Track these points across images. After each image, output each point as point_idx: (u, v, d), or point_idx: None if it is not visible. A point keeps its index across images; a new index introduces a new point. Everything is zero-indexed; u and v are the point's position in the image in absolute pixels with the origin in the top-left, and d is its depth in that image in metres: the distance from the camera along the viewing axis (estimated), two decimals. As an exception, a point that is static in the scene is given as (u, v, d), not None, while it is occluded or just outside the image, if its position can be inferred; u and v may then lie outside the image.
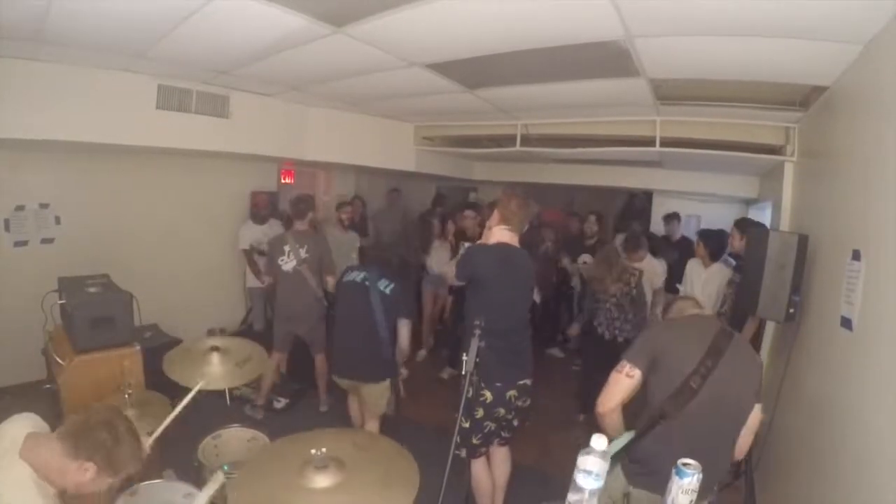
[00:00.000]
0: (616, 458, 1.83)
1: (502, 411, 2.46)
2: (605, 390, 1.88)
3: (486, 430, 2.49)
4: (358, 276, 3.04)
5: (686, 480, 1.27)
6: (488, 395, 2.42)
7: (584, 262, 5.01)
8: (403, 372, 3.25)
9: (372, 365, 2.97)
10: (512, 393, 2.47)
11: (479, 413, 2.43)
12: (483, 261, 2.49)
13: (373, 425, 3.09)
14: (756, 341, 3.24)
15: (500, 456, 2.68)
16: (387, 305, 2.93)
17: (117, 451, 1.39)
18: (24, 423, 1.42)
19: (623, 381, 1.84)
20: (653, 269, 4.43)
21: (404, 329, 2.99)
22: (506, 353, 2.41)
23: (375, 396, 3.02)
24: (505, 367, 2.43)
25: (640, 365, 1.82)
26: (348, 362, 3.06)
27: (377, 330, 2.92)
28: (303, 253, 3.82)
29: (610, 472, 1.63)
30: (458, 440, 2.12)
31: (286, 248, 3.84)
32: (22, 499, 1.29)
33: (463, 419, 2.21)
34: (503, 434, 2.62)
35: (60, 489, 1.39)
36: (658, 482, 1.61)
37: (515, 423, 2.60)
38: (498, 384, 2.43)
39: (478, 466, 2.59)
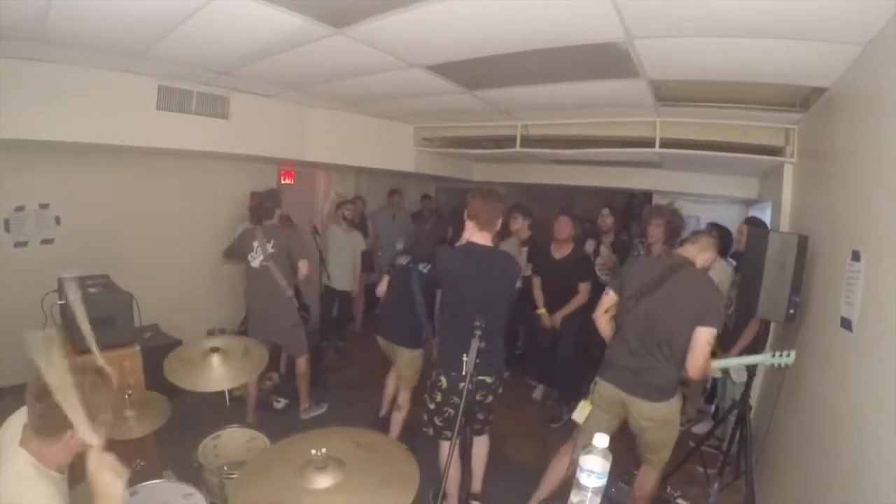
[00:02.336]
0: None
1: (457, 400, 2.49)
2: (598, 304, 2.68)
3: (445, 415, 2.63)
4: (404, 260, 3.53)
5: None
6: (443, 381, 2.60)
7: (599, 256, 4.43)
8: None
9: (408, 332, 3.40)
10: (457, 376, 2.51)
11: (438, 398, 2.63)
12: (444, 261, 2.68)
13: (404, 396, 3.49)
14: (760, 343, 3.21)
15: (476, 443, 2.75)
16: (425, 283, 3.39)
17: (76, 403, 1.34)
18: (21, 417, 1.43)
19: (605, 297, 2.63)
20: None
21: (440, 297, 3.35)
22: (464, 344, 2.31)
23: (406, 362, 3.43)
24: (459, 357, 2.37)
25: (613, 288, 2.60)
26: (389, 325, 3.52)
27: (415, 304, 3.36)
28: (269, 248, 3.69)
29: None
30: (426, 418, 2.71)
31: (255, 244, 3.71)
32: (27, 490, 1.29)
33: (428, 399, 2.69)
34: (473, 425, 2.62)
35: (67, 466, 1.40)
36: (609, 374, 2.50)
37: (480, 416, 2.68)
38: (453, 373, 2.55)
39: (442, 450, 2.72)
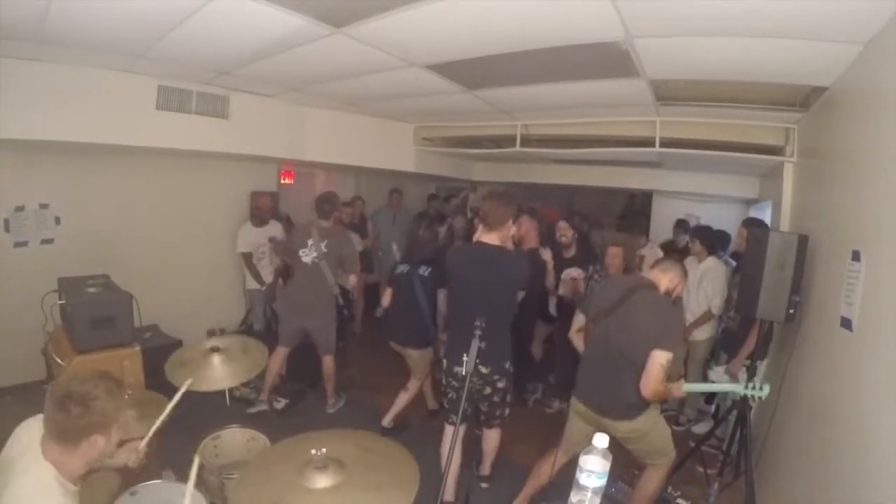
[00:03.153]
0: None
1: (455, 384, 2.80)
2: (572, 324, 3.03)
3: (448, 396, 2.87)
4: (404, 268, 3.74)
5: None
6: (444, 363, 2.89)
7: (573, 279, 3.87)
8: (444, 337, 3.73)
9: (415, 335, 3.66)
10: (460, 370, 2.70)
11: (442, 377, 2.94)
12: (451, 258, 2.91)
13: (413, 384, 3.80)
14: (763, 347, 3.17)
15: (485, 435, 3.07)
16: (426, 285, 3.62)
17: (96, 411, 1.38)
18: (36, 427, 1.44)
19: (576, 318, 2.98)
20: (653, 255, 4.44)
21: (441, 296, 3.63)
22: (465, 337, 2.34)
23: (417, 360, 3.72)
24: (459, 349, 2.49)
25: (582, 308, 2.82)
26: (399, 331, 3.74)
27: (420, 306, 3.59)
28: (323, 247, 3.83)
29: None
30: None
31: (309, 241, 3.85)
32: (45, 500, 1.30)
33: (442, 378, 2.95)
34: (480, 416, 2.99)
35: (85, 474, 1.43)
36: (580, 394, 2.54)
37: (483, 407, 2.89)
38: (455, 367, 2.79)
39: (445, 433, 2.93)
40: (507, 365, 2.85)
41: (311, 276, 3.87)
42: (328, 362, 4.02)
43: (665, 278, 2.48)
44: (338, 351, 5.35)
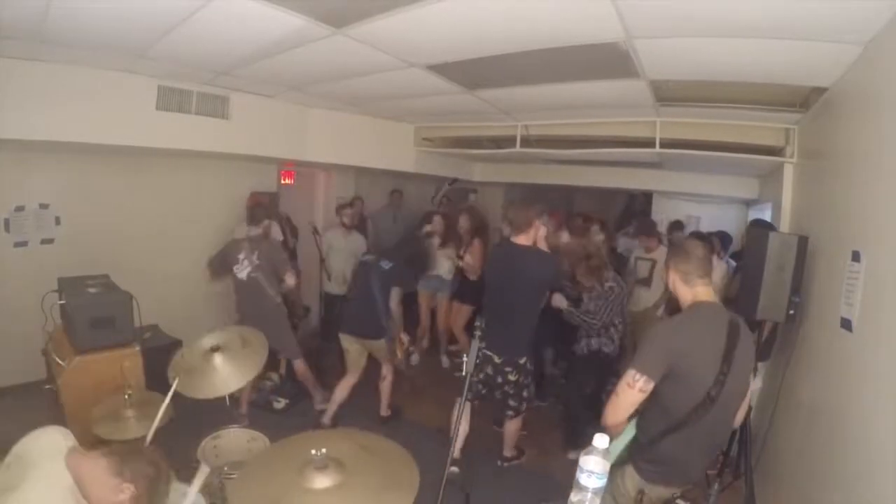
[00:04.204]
0: (626, 458, 1.86)
1: (489, 372, 3.04)
2: (614, 403, 1.79)
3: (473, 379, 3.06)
4: (368, 258, 3.88)
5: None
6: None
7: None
8: (405, 338, 3.85)
9: (370, 325, 3.64)
10: (492, 355, 3.02)
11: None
12: (489, 258, 3.33)
13: (386, 369, 3.87)
14: (766, 348, 3.16)
15: (507, 422, 3.33)
16: (384, 280, 3.60)
17: (156, 485, 1.44)
18: (61, 435, 1.44)
19: (635, 396, 1.73)
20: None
21: (394, 294, 3.66)
22: (488, 327, 2.85)
23: (377, 348, 3.75)
24: (490, 338, 2.93)
25: (654, 377, 1.71)
26: (355, 323, 3.73)
27: (375, 299, 3.57)
28: (255, 259, 3.71)
29: (622, 472, 1.86)
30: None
31: (240, 256, 3.74)
32: None
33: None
34: (497, 404, 3.21)
35: None
36: (676, 478, 1.81)
37: (497, 395, 3.10)
38: (487, 350, 3.01)
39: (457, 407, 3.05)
40: (523, 361, 3.01)
41: (250, 290, 3.74)
42: (298, 366, 4.00)
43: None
44: (336, 352, 5.38)
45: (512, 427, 3.33)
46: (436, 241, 4.91)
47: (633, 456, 1.84)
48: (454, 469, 2.85)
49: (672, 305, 2.27)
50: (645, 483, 1.82)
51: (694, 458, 1.85)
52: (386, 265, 3.65)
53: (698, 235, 4.38)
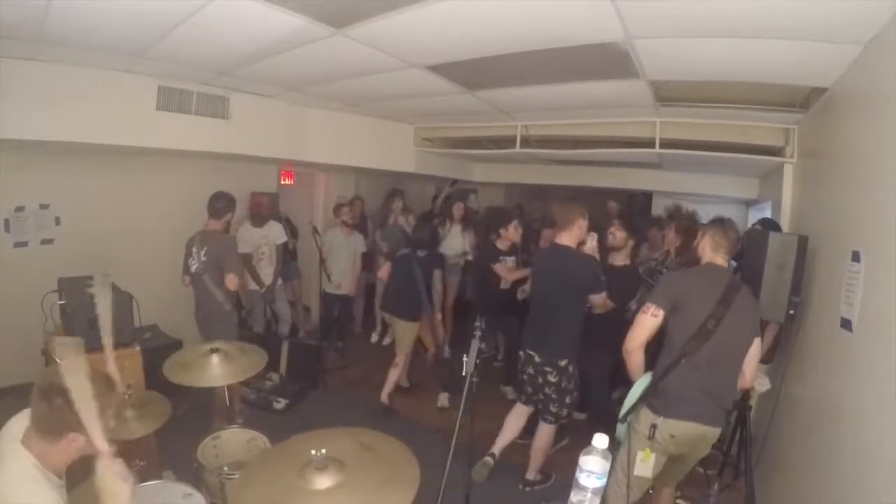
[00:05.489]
0: (639, 401, 2.20)
1: (528, 369, 3.08)
2: (633, 330, 2.24)
3: (520, 378, 3.20)
4: (404, 251, 4.20)
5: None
6: (521, 355, 3.14)
7: None
8: (439, 315, 4.25)
9: (406, 308, 4.07)
10: (533, 355, 3.05)
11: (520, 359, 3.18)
12: (536, 256, 3.48)
13: (400, 358, 4.15)
14: (771, 351, 3.11)
15: (538, 428, 3.17)
16: (424, 267, 4.04)
17: (93, 411, 1.33)
18: (24, 418, 1.43)
19: (648, 321, 2.19)
20: None
21: (436, 276, 4.16)
22: (530, 326, 3.14)
23: (403, 331, 4.12)
24: (533, 336, 3.10)
25: (664, 306, 2.16)
26: (394, 303, 4.21)
27: (416, 283, 3.97)
28: (203, 256, 3.47)
29: (636, 414, 2.23)
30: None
31: (193, 250, 3.54)
32: (28, 490, 1.28)
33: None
34: (537, 405, 3.14)
35: (64, 470, 1.41)
36: (685, 409, 2.10)
37: (539, 396, 3.06)
38: (528, 350, 3.09)
39: (513, 410, 3.28)
40: (564, 363, 2.95)
41: (197, 289, 3.54)
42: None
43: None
44: (337, 351, 5.40)
45: (543, 438, 3.09)
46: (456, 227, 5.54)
47: (645, 397, 2.18)
48: (488, 459, 3.12)
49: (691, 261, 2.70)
50: (655, 417, 2.13)
51: (697, 395, 2.10)
52: (422, 254, 4.08)
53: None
